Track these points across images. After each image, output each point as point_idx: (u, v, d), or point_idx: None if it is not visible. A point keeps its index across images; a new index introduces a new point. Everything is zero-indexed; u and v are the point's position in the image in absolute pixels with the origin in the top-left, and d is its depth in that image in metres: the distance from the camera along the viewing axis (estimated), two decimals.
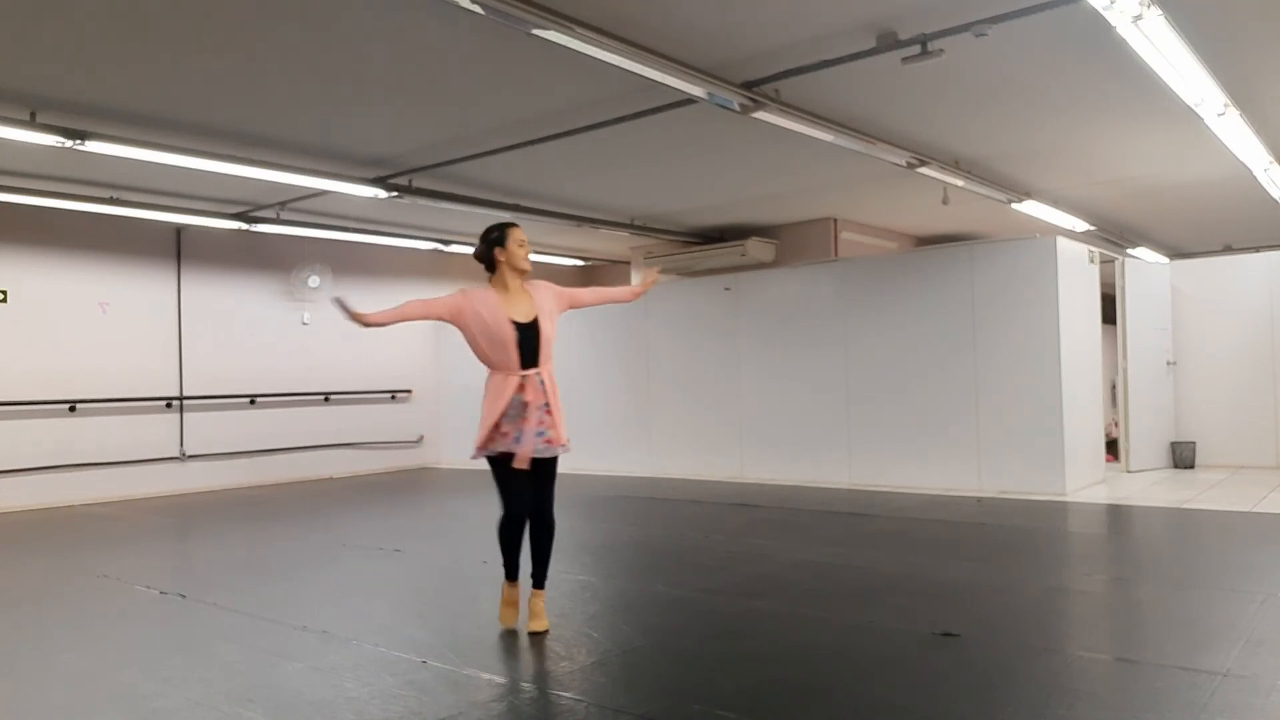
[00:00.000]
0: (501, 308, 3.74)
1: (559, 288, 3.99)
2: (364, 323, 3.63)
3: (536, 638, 3.73)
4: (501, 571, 3.92)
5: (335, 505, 8.09)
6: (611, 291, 4.22)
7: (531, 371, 3.74)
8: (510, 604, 3.91)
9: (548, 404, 3.76)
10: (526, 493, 3.78)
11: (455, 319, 3.77)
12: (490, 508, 7.52)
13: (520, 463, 3.68)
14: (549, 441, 3.76)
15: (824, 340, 8.63)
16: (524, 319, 3.76)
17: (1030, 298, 7.44)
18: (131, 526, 7.11)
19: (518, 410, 3.70)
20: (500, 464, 3.75)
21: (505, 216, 8.51)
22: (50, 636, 3.95)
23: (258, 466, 9.81)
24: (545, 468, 3.82)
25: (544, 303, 3.86)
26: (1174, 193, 8.95)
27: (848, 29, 4.56)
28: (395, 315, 3.71)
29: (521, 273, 3.85)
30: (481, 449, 3.74)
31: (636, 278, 11.64)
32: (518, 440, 3.69)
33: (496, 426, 3.70)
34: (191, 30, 4.45)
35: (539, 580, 3.87)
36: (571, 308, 4.04)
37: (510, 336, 3.70)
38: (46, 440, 8.28)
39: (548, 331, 3.82)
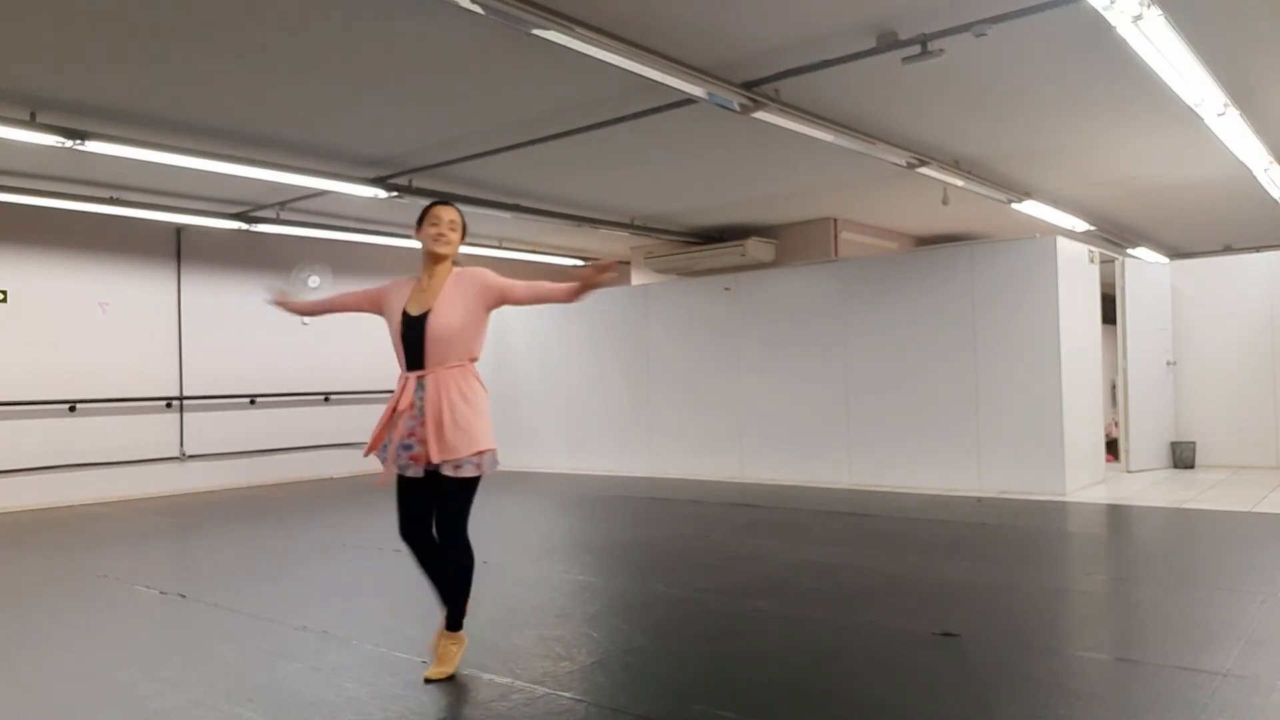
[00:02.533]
0: (406, 299, 3.29)
1: (491, 278, 3.28)
2: (295, 311, 3.71)
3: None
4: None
5: (335, 505, 8.09)
6: (548, 289, 3.26)
7: (415, 374, 3.21)
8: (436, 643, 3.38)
9: (425, 411, 3.15)
10: (412, 514, 3.31)
11: (378, 310, 3.42)
12: (487, 508, 7.51)
13: (383, 479, 3.24)
14: (413, 458, 3.19)
15: (824, 340, 8.63)
16: (417, 311, 3.22)
17: (1030, 298, 7.44)
18: (131, 526, 7.11)
19: (396, 417, 3.22)
20: (397, 478, 3.31)
21: (505, 217, 8.52)
22: (50, 636, 3.95)
23: (258, 466, 9.81)
24: (441, 488, 3.22)
25: (456, 294, 3.23)
26: (1174, 193, 8.95)
27: (847, 29, 4.56)
28: (324, 306, 3.63)
29: (436, 258, 3.29)
30: (367, 453, 3.32)
31: (637, 277, 11.62)
32: (384, 451, 3.24)
33: (380, 433, 3.27)
34: (191, 30, 4.45)
35: (448, 620, 3.33)
36: (504, 303, 3.31)
37: (396, 330, 3.26)
38: (46, 440, 8.28)
39: (438, 326, 3.17)
